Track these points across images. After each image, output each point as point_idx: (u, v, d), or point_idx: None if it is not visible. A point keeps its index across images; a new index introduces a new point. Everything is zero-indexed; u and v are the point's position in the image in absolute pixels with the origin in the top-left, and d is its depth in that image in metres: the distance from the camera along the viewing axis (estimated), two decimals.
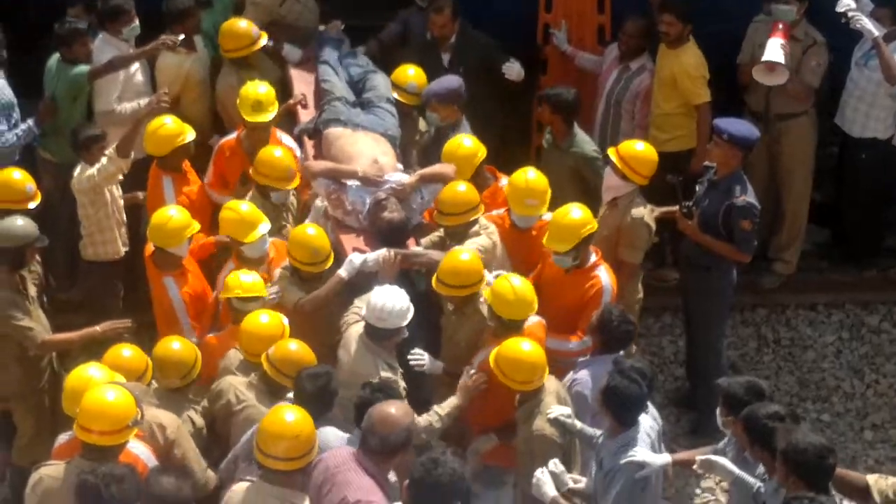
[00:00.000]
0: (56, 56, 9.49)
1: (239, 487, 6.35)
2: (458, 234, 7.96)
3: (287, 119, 9.29)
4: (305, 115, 9.35)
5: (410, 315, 7.30)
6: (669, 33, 9.74)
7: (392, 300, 7.21)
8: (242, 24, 9.41)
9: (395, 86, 9.24)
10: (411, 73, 9.27)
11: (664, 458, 6.95)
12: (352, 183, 8.41)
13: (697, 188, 8.88)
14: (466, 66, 9.78)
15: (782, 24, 9.59)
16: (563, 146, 9.17)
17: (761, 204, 8.93)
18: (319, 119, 9.04)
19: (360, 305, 7.49)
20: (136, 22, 9.64)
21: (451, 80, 9.17)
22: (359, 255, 7.80)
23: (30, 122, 9.33)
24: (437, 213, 8.13)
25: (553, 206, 8.26)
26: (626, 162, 8.44)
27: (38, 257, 8.37)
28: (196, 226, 8.18)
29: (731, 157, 8.70)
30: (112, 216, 8.93)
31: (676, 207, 8.83)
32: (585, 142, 9.27)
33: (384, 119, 8.96)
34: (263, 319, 7.45)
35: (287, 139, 8.95)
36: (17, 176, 8.44)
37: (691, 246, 8.95)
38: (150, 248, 8.25)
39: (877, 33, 9.60)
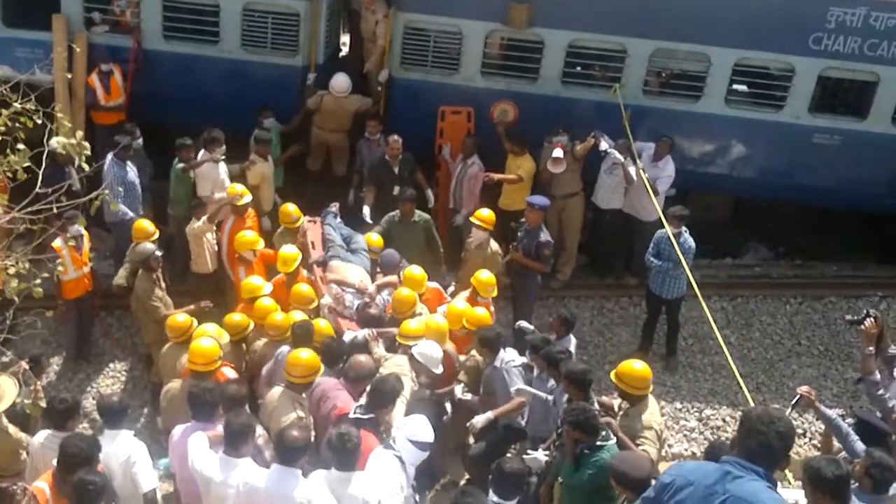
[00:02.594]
0: (176, 158, 9.50)
1: (274, 391, 6.33)
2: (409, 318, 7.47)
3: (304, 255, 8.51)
4: (315, 253, 8.50)
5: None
6: (514, 151, 9.94)
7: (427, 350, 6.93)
8: (291, 207, 8.79)
9: (368, 246, 8.59)
10: (374, 239, 8.62)
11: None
12: (349, 291, 7.86)
13: (520, 233, 8.98)
14: (408, 172, 9.90)
15: (560, 142, 9.76)
16: (414, 220, 8.97)
17: (554, 241, 9.03)
18: (326, 255, 8.38)
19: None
20: (224, 147, 9.40)
21: (395, 256, 8.35)
22: (351, 333, 7.31)
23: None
24: (393, 310, 7.56)
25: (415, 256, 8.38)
26: (482, 220, 8.62)
27: (162, 266, 8.17)
28: (261, 243, 8.32)
29: (537, 216, 8.83)
30: (206, 249, 8.87)
31: (510, 245, 8.95)
32: (423, 214, 9.12)
33: (362, 259, 8.40)
34: (266, 302, 7.37)
35: (306, 274, 8.24)
36: (146, 223, 8.42)
37: (516, 264, 9.02)
38: (234, 252, 8.38)
39: (622, 160, 9.80)
